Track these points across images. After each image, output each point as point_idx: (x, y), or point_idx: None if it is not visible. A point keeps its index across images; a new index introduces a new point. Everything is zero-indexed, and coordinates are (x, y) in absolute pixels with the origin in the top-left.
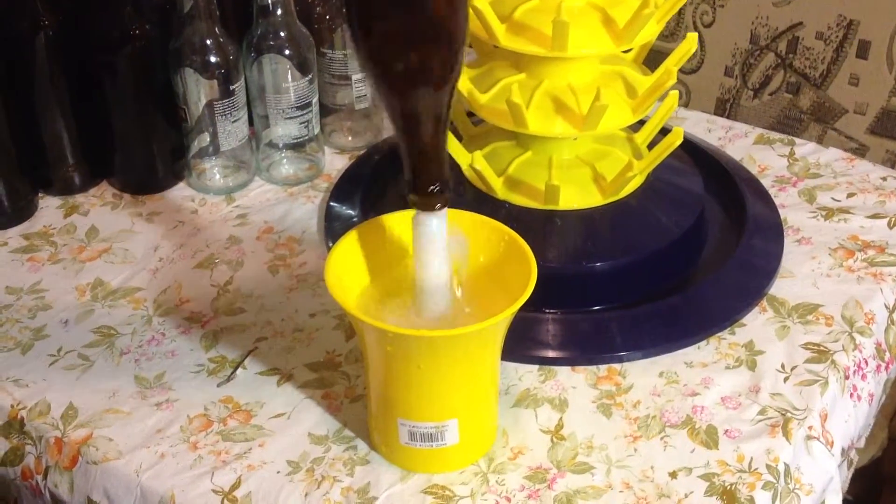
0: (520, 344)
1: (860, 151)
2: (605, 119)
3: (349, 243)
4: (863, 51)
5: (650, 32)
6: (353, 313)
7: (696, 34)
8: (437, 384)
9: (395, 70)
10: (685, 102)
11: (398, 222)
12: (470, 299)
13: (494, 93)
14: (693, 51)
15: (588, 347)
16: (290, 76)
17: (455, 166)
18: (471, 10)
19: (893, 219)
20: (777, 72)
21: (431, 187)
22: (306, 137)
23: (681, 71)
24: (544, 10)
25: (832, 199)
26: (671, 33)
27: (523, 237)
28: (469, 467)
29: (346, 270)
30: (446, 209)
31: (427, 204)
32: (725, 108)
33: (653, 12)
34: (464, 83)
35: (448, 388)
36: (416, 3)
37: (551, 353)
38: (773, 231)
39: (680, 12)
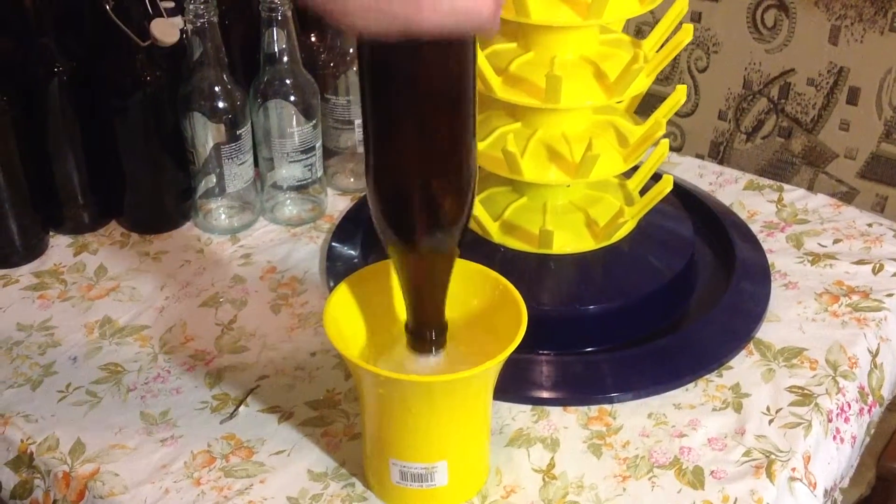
0: (514, 384)
1: (850, 195)
2: (597, 167)
3: (348, 288)
4: (853, 97)
5: (640, 85)
6: (347, 357)
7: (685, 86)
8: (428, 427)
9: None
10: (680, 145)
11: None
12: (462, 345)
13: (491, 141)
14: (682, 103)
15: (580, 388)
16: (294, 121)
17: None
18: None
19: (878, 265)
20: (769, 116)
21: (429, 334)
22: (310, 179)
23: (676, 114)
24: (538, 63)
25: (819, 244)
26: (666, 77)
27: (518, 281)
28: None
29: (345, 314)
30: (443, 349)
31: (423, 349)
32: (719, 150)
33: (642, 67)
34: None
35: (438, 431)
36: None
37: (544, 394)
38: (760, 275)
39: (675, 57)
